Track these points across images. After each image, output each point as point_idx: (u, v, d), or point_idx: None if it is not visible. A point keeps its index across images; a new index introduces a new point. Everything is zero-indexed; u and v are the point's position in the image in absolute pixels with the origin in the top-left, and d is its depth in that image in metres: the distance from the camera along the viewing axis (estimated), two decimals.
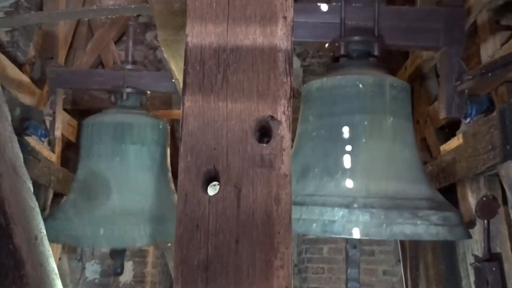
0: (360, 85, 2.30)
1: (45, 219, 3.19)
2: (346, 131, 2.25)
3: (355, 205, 2.02)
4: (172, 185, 3.28)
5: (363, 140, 2.23)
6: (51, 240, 3.11)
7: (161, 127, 3.30)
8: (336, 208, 2.02)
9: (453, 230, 2.10)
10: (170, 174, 3.32)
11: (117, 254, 3.21)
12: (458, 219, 2.14)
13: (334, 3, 2.56)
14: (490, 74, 2.31)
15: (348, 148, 2.22)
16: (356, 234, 1.99)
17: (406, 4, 3.56)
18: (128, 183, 3.09)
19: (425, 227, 2.00)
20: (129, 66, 3.44)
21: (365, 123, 2.25)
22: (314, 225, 2.02)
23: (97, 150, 3.14)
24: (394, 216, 1.99)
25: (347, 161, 2.20)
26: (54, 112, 3.48)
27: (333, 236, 2.18)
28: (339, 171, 2.18)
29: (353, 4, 2.55)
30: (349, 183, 2.15)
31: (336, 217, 2.00)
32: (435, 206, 2.10)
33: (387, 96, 2.30)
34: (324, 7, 2.53)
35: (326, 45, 2.57)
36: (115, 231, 2.93)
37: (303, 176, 2.23)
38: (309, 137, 2.34)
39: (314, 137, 2.32)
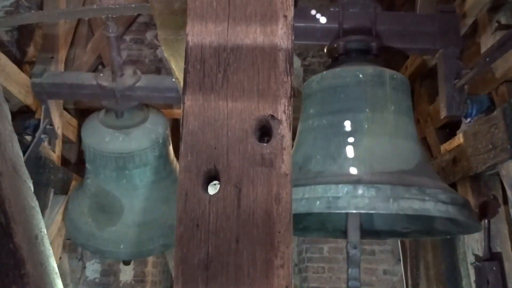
0: (360, 75, 2.30)
1: (65, 217, 3.39)
2: (348, 119, 2.21)
3: (361, 183, 1.92)
4: None
5: (365, 126, 2.19)
6: (77, 244, 3.47)
7: (160, 141, 3.28)
8: (340, 185, 1.91)
9: (463, 211, 1.98)
10: (176, 164, 3.41)
11: None
12: (466, 203, 2.06)
13: (332, 9, 2.60)
14: (488, 59, 2.31)
15: (351, 135, 2.16)
16: (362, 208, 1.87)
17: (406, 7, 3.59)
18: (137, 199, 3.26)
19: (433, 204, 1.88)
20: (119, 85, 3.13)
21: (367, 110, 2.23)
22: (318, 202, 1.90)
23: (103, 172, 3.25)
24: (401, 191, 1.88)
25: (349, 147, 2.12)
26: (51, 125, 3.40)
27: (338, 211, 2.04)
28: (342, 155, 2.12)
29: (350, 10, 2.58)
30: (353, 166, 2.07)
31: (341, 193, 1.89)
32: (441, 188, 2.04)
33: (387, 87, 2.29)
34: (322, 19, 2.59)
35: (325, 49, 2.60)
36: (132, 246, 3.24)
37: (305, 163, 2.18)
38: (310, 130, 2.31)
39: (315, 128, 2.29)
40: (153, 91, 3.23)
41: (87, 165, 3.32)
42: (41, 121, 3.31)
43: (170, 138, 3.41)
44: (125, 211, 3.23)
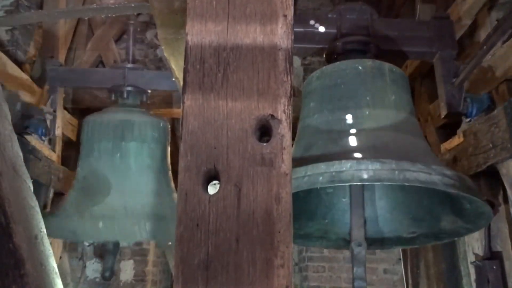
0: (360, 67, 2.31)
1: (45, 217, 3.21)
2: (349, 110, 2.19)
3: (364, 157, 1.89)
4: (172, 184, 3.27)
5: (367, 116, 2.18)
6: (50, 236, 3.09)
7: (161, 125, 3.30)
8: (343, 161, 1.86)
9: (471, 189, 1.93)
10: (170, 173, 3.31)
11: (108, 255, 3.15)
12: (473, 183, 2.02)
13: (329, 15, 2.67)
14: (485, 47, 2.32)
15: (353, 124, 2.13)
16: (366, 179, 1.81)
17: (404, 11, 3.64)
18: (128, 180, 3.07)
19: (440, 177, 1.83)
20: (129, 65, 3.43)
21: (368, 99, 2.23)
22: (321, 178, 1.84)
23: (98, 148, 3.12)
24: (406, 165, 1.83)
25: (352, 132, 2.09)
26: (54, 111, 3.48)
27: (342, 184, 1.98)
28: (344, 138, 2.10)
29: (348, 16, 2.65)
30: (355, 147, 2.04)
31: (344, 168, 1.83)
32: (447, 167, 2.01)
33: (387, 78, 2.30)
34: (321, 28, 2.65)
35: (324, 54, 2.64)
36: (114, 225, 2.90)
37: (306, 150, 2.17)
38: (311, 123, 2.30)
39: (316, 120, 2.28)
40: (160, 77, 3.48)
41: (81, 151, 3.20)
42: (47, 106, 3.40)
43: (169, 137, 3.40)
44: (112, 191, 3.00)
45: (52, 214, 3.03)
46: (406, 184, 1.85)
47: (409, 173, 1.80)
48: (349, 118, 2.18)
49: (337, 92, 2.28)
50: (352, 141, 2.10)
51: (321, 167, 1.88)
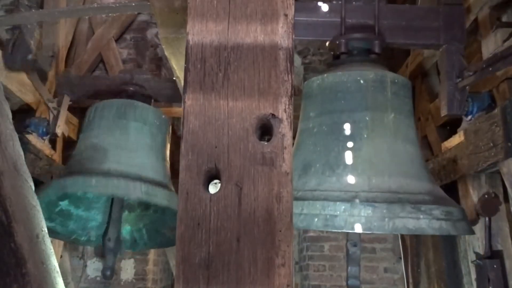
0: (361, 81, 2.29)
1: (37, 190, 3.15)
2: (347, 126, 2.24)
3: (357, 200, 2.00)
4: (168, 172, 3.26)
5: (365, 135, 2.21)
6: (41, 198, 2.94)
7: (163, 117, 3.31)
8: (338, 203, 1.99)
9: (456, 224, 2.06)
10: (168, 165, 3.30)
11: (109, 254, 3.13)
12: (461, 214, 2.11)
13: (334, 2, 2.57)
14: (491, 69, 2.31)
15: (350, 143, 2.20)
16: (358, 228, 1.96)
17: (406, 3, 3.57)
18: (126, 153, 3.03)
19: (427, 221, 1.97)
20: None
21: (367, 118, 2.24)
22: (316, 219, 1.99)
23: (98, 125, 3.10)
24: (396, 210, 1.96)
25: (348, 156, 2.18)
26: (57, 117, 3.47)
27: (335, 230, 2.14)
28: (341, 166, 2.16)
29: (353, 3, 2.55)
30: (351, 178, 2.13)
31: (338, 212, 1.97)
32: (437, 200, 2.08)
33: (388, 92, 2.29)
34: (324, 7, 2.53)
35: (327, 43, 2.57)
36: (108, 182, 2.85)
37: (304, 172, 2.22)
38: (310, 133, 2.33)
39: (315, 133, 2.30)
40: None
41: (82, 130, 3.20)
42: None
43: (170, 132, 3.41)
44: (108, 159, 2.94)
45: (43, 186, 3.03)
46: (395, 233, 2.02)
47: (398, 220, 1.95)
48: (347, 138, 2.24)
49: (337, 106, 2.29)
50: (349, 166, 2.17)
51: (317, 206, 2.01)
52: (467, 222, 2.17)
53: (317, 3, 2.56)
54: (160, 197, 2.96)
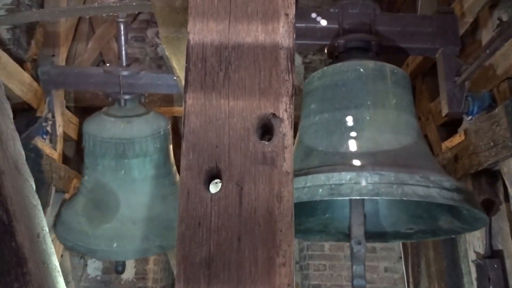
0: (361, 69, 2.29)
1: (56, 221, 3.25)
2: (349, 112, 2.19)
3: (364, 170, 1.90)
4: (178, 178, 3.30)
5: (367, 118, 2.18)
6: (67, 246, 3.17)
7: (162, 133, 3.28)
8: (343, 173, 1.88)
9: (469, 199, 1.94)
10: (174, 168, 3.33)
11: None
12: (471, 192, 2.03)
13: (331, 10, 2.64)
14: (488, 51, 2.31)
15: (353, 127, 2.14)
16: (365, 194, 1.85)
17: (406, 5, 3.59)
18: (134, 194, 3.16)
19: (438, 190, 1.85)
20: (124, 73, 3.25)
21: (368, 103, 2.21)
22: (320, 190, 1.87)
23: (102, 163, 3.18)
24: (405, 178, 1.85)
25: (352, 137, 2.11)
26: (53, 116, 3.45)
27: (341, 198, 2.03)
28: (344, 145, 2.10)
29: (350, 11, 2.62)
30: (356, 155, 2.05)
31: (344, 181, 1.86)
32: (446, 177, 2.01)
33: (388, 80, 2.29)
34: (323, 22, 2.62)
35: (326, 49, 2.62)
36: (126, 245, 3.08)
37: (306, 156, 2.17)
38: (312, 124, 2.30)
39: (317, 122, 2.27)
40: (157, 79, 3.34)
41: (86, 161, 3.26)
42: (44, 111, 3.37)
43: (171, 137, 3.40)
44: (121, 206, 3.12)
45: (64, 222, 3.17)
46: (405, 198, 1.88)
47: (407, 187, 1.84)
48: (349, 122, 2.18)
49: (338, 94, 2.28)
50: (352, 145, 2.11)
51: (321, 178, 1.90)
52: (477, 199, 2.12)
53: (315, 12, 2.66)
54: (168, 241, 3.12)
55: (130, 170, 3.17)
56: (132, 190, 3.17)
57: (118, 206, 3.12)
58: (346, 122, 2.18)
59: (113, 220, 3.10)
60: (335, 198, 2.10)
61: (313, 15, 2.63)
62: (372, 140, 2.11)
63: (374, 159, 2.02)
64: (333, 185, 1.86)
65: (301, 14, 2.64)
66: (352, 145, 2.10)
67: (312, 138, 2.25)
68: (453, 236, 2.56)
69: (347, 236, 2.37)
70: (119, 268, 3.26)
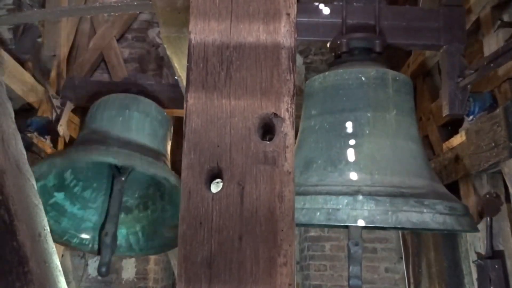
0: (363, 78, 2.29)
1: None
2: (349, 123, 2.22)
3: (360, 193, 1.97)
4: (169, 166, 3.27)
5: (367, 131, 2.20)
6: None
7: (164, 114, 3.31)
8: (340, 197, 1.96)
9: (460, 220, 2.02)
10: (168, 159, 3.29)
11: (105, 249, 3.01)
12: (464, 210, 2.08)
13: (335, 3, 2.59)
14: (492, 65, 2.30)
15: (352, 139, 2.18)
16: (361, 221, 1.92)
17: (408, 3, 3.57)
18: (128, 137, 3.05)
19: (431, 215, 1.92)
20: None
21: (368, 115, 2.23)
22: (318, 213, 1.96)
23: (101, 116, 3.13)
24: (399, 203, 1.92)
25: (350, 152, 2.15)
26: (58, 120, 3.48)
27: (338, 224, 2.10)
28: (343, 161, 2.14)
29: (354, 4, 2.57)
30: (353, 173, 2.10)
31: (341, 205, 1.93)
32: (440, 196, 2.04)
33: (389, 89, 2.29)
34: (325, 9, 2.56)
35: (328, 44, 2.57)
36: (109, 150, 2.89)
37: (306, 168, 2.20)
38: (312, 131, 2.32)
39: (317, 131, 2.29)
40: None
41: (85, 122, 3.22)
42: (53, 114, 3.40)
43: (172, 129, 3.39)
44: (110, 139, 2.97)
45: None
46: (398, 226, 1.96)
47: (401, 213, 1.91)
48: (349, 134, 2.21)
49: (339, 103, 2.29)
50: (351, 162, 2.15)
51: (319, 200, 1.98)
52: (471, 218, 2.15)
53: (318, 5, 2.58)
54: (161, 169, 2.96)
55: (129, 120, 3.13)
56: (127, 133, 3.09)
57: (107, 139, 3.01)
58: (345, 134, 2.22)
59: (102, 142, 2.99)
60: (331, 224, 2.17)
61: (316, 5, 2.58)
62: (370, 156, 2.15)
63: (371, 177, 2.07)
64: (330, 210, 1.95)
65: (304, 8, 2.59)
66: (351, 162, 2.15)
67: (312, 149, 2.27)
68: (445, 231, 2.57)
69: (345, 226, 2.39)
70: (103, 268, 2.96)
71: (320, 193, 2.01)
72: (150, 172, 2.93)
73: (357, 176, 2.09)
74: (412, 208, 1.92)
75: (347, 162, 2.14)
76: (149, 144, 3.11)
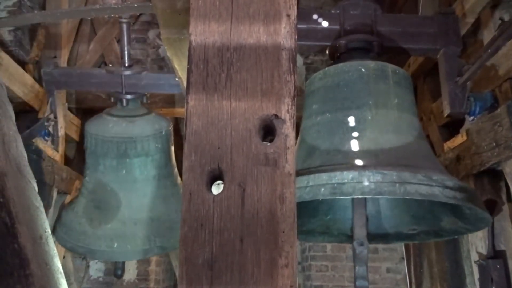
0: (363, 69, 2.29)
1: (56, 224, 3.22)
2: (351, 111, 2.19)
3: (366, 168, 1.89)
4: (179, 180, 3.29)
5: (369, 117, 2.18)
6: (66, 248, 3.08)
7: (164, 132, 3.28)
8: (345, 172, 1.88)
9: (471, 198, 1.93)
10: (176, 170, 3.31)
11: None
12: (473, 191, 2.02)
13: (332, 11, 2.65)
14: (490, 50, 2.30)
15: (355, 127, 2.14)
16: (368, 193, 1.83)
17: (407, 9, 3.59)
18: (136, 194, 3.13)
19: (441, 189, 1.84)
20: (126, 72, 3.27)
21: (370, 103, 2.21)
22: (323, 189, 1.86)
23: (103, 163, 3.16)
24: (407, 177, 1.84)
25: (354, 137, 2.11)
26: (55, 117, 3.46)
27: (343, 197, 2.03)
28: (346, 145, 2.09)
29: (351, 12, 2.62)
30: (358, 155, 2.04)
31: (346, 180, 1.85)
32: (449, 176, 1.99)
33: (390, 80, 2.29)
34: (323, 18, 2.62)
35: (327, 50, 2.62)
36: (127, 245, 3.05)
37: (309, 155, 2.17)
38: (313, 124, 2.30)
39: (319, 122, 2.27)
40: (159, 80, 3.35)
41: (87, 161, 3.24)
42: (47, 110, 3.38)
43: (172, 138, 3.39)
44: (122, 206, 3.09)
45: (64, 224, 3.14)
46: (407, 197, 1.87)
47: (409, 185, 1.83)
48: (351, 121, 2.18)
49: (340, 95, 2.28)
50: (354, 145, 2.11)
51: (323, 177, 1.89)
52: (480, 198, 2.11)
53: (315, 14, 2.65)
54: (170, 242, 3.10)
55: (131, 170, 3.15)
56: (134, 190, 3.14)
57: (119, 206, 3.09)
58: (348, 122, 2.18)
59: (114, 221, 3.08)
60: (337, 197, 2.08)
61: (315, 16, 2.63)
62: (374, 140, 2.11)
63: (376, 159, 2.01)
64: (335, 184, 1.85)
65: (303, 15, 2.64)
66: (354, 145, 2.10)
67: (314, 138, 2.25)
68: (456, 236, 2.55)
69: (349, 237, 2.36)
70: (118, 271, 3.21)
71: (324, 171, 1.92)
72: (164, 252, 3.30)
73: (362, 157, 2.03)
74: (420, 181, 1.84)
75: (351, 148, 2.08)
76: (158, 193, 3.20)
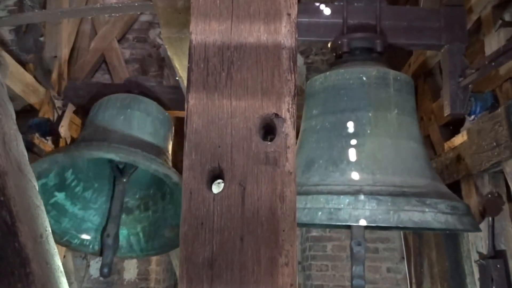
0: (364, 78, 2.29)
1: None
2: (350, 123, 2.22)
3: (362, 193, 1.97)
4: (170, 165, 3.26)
5: (368, 131, 2.20)
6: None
7: (166, 114, 3.31)
8: (342, 196, 1.96)
9: (462, 219, 2.02)
10: (170, 159, 3.28)
11: (107, 250, 3.01)
12: (466, 209, 2.08)
13: (336, 3, 2.58)
14: (493, 64, 2.30)
15: (353, 139, 2.18)
16: (363, 221, 1.92)
17: (408, 3, 3.56)
18: (129, 135, 3.03)
19: (433, 215, 1.93)
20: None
21: (370, 114, 2.23)
22: (320, 213, 1.96)
23: (102, 116, 3.11)
24: (401, 203, 1.92)
25: (352, 151, 2.15)
26: (59, 119, 3.48)
27: (340, 223, 2.11)
28: (344, 161, 2.14)
29: (355, 4, 2.56)
30: (354, 173, 2.10)
31: (342, 205, 1.93)
32: (442, 196, 2.04)
33: (391, 89, 2.29)
34: (326, 9, 2.55)
35: (329, 44, 2.57)
36: (110, 147, 2.88)
37: (307, 168, 2.20)
38: (313, 131, 2.32)
39: (318, 130, 2.29)
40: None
41: (85, 122, 3.20)
42: (54, 116, 3.39)
43: (173, 132, 3.38)
44: (111, 137, 2.94)
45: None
46: (400, 226, 1.96)
47: (403, 213, 1.91)
48: (350, 135, 2.22)
49: (340, 103, 2.29)
50: (352, 161, 2.15)
51: (320, 199, 1.98)
52: (473, 217, 2.15)
53: (318, 5, 2.57)
54: (162, 166, 2.93)
55: (130, 119, 3.11)
56: (128, 132, 3.06)
57: (108, 137, 3.00)
58: (347, 133, 2.22)
59: (107, 140, 2.98)
60: (333, 224, 2.16)
61: (317, 5, 2.57)
62: (372, 156, 2.15)
63: (373, 177, 2.07)
64: (332, 210, 1.95)
65: (304, 8, 2.59)
66: (352, 161, 2.15)
67: (313, 148, 2.27)
68: (447, 231, 2.57)
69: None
70: (105, 269, 2.96)
71: (321, 193, 2.01)
72: (152, 168, 2.89)
73: (359, 175, 2.09)
74: (414, 207, 1.92)
75: (349, 161, 2.14)
76: (151, 142, 3.10)
